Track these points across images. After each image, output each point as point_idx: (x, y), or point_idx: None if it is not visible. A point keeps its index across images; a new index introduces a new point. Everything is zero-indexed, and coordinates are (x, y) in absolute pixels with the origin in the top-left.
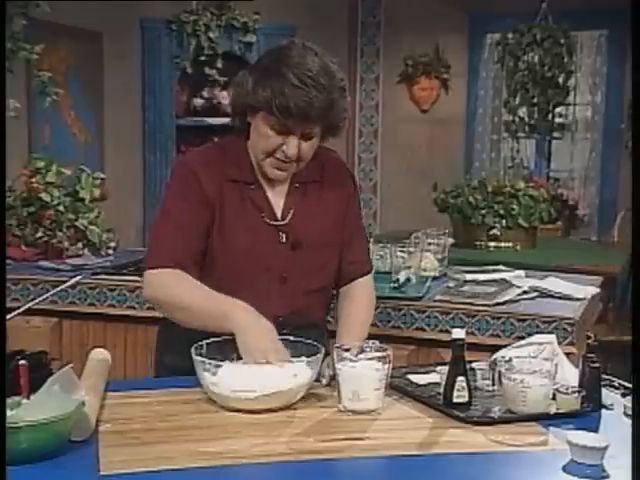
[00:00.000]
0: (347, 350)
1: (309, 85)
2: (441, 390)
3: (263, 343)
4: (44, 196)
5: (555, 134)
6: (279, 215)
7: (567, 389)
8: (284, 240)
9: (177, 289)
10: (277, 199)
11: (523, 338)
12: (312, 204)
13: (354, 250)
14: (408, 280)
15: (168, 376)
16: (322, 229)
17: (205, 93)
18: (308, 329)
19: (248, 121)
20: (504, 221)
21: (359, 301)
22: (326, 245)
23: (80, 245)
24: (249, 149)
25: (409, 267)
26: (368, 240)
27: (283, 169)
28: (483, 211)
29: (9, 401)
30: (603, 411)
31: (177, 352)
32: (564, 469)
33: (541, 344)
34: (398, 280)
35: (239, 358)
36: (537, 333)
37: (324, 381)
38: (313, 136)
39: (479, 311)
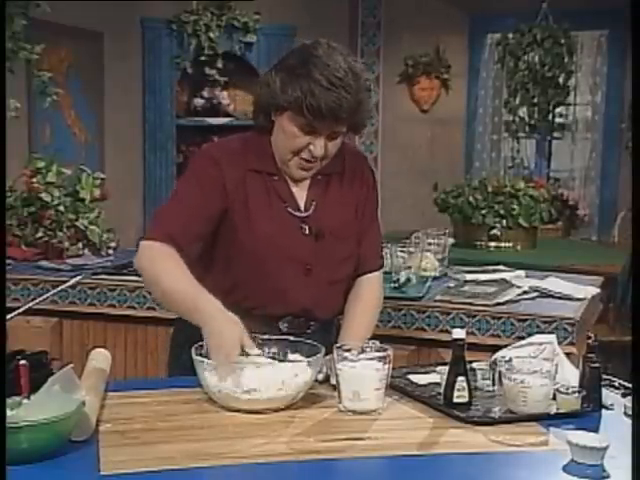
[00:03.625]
0: (347, 350)
1: (338, 87)
2: (441, 390)
3: (226, 344)
4: (44, 196)
5: (555, 134)
6: (302, 206)
7: (567, 389)
8: (307, 232)
9: (160, 267)
10: (300, 191)
11: (523, 338)
12: (334, 196)
13: (366, 244)
14: (408, 280)
15: (182, 375)
16: (344, 220)
17: (205, 93)
18: (329, 324)
19: (272, 119)
20: (504, 221)
21: (366, 302)
22: (349, 236)
23: (80, 245)
24: (272, 143)
25: (409, 267)
26: (381, 235)
27: (307, 169)
28: (483, 211)
29: (9, 401)
30: (603, 411)
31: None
32: (564, 469)
33: (541, 344)
34: (398, 280)
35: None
36: (537, 333)
37: (320, 377)
38: (338, 136)
39: (479, 311)
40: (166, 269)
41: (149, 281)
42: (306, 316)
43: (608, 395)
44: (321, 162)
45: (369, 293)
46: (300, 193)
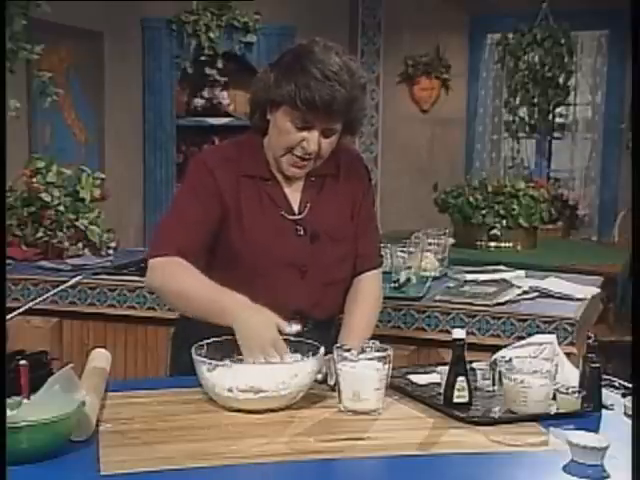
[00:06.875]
0: (347, 350)
1: (332, 80)
2: (441, 390)
3: (260, 337)
4: (44, 196)
5: (555, 134)
6: (296, 209)
7: (567, 389)
8: (302, 234)
9: (177, 278)
10: (294, 193)
11: (523, 338)
12: (328, 197)
13: (364, 243)
14: (408, 280)
15: (182, 375)
16: (339, 222)
17: (205, 93)
18: (328, 324)
19: (267, 118)
20: (504, 221)
21: (365, 302)
22: (344, 237)
23: (80, 245)
24: (266, 146)
25: (409, 267)
26: (379, 233)
27: (301, 167)
28: (483, 211)
29: (10, 401)
30: (603, 411)
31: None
32: (564, 469)
33: (541, 344)
34: (398, 280)
35: (239, 357)
36: (537, 333)
37: (319, 377)
38: (333, 133)
39: (479, 311)
40: (182, 279)
41: (168, 296)
42: (302, 316)
43: (608, 395)
44: (315, 162)
45: (368, 292)
46: (294, 196)
